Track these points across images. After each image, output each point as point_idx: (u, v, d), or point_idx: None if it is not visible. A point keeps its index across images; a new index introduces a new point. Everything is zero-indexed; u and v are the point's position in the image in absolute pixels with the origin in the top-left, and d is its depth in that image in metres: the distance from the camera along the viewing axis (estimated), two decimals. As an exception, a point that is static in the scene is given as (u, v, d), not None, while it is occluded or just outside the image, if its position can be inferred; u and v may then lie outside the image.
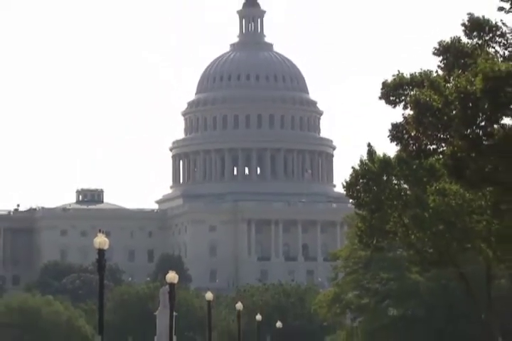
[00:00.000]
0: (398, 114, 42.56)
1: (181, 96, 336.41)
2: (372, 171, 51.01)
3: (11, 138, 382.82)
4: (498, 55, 39.07)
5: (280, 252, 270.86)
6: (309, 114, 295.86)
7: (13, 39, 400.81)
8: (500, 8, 26.85)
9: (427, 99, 39.74)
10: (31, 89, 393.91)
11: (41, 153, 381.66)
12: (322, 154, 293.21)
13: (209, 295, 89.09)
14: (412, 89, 41.84)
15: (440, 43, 41.17)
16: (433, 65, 41.73)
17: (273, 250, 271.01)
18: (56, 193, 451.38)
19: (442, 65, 41.26)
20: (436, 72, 41.50)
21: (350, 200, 54.69)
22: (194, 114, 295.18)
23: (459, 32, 40.40)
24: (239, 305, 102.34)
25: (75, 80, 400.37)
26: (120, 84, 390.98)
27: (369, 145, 51.92)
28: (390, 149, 47.52)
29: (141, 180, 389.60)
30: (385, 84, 42.93)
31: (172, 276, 74.56)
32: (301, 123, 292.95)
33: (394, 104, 42.75)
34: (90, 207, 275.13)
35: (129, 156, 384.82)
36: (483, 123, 38.76)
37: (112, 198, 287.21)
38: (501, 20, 36.54)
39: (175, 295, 79.11)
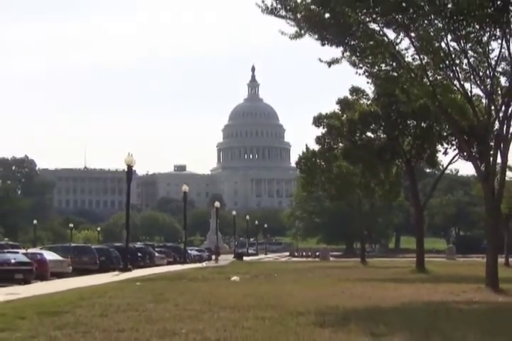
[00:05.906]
0: (319, 131, 42.54)
1: (221, 122, 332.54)
2: (308, 157, 50.62)
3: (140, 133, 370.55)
4: (365, 103, 39.08)
5: (266, 193, 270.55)
6: (279, 131, 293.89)
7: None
8: (367, 82, 27.01)
9: (333, 124, 39.77)
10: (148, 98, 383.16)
11: (159, 146, 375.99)
12: (285, 149, 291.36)
13: (234, 213, 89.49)
14: (327, 119, 41.74)
15: (339, 98, 41.16)
16: (336, 108, 41.72)
17: (262, 192, 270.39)
18: (164, 166, 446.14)
19: (340, 108, 41.21)
20: (338, 111, 41.44)
21: (298, 170, 54.40)
22: (228, 130, 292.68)
23: (347, 93, 40.46)
24: (247, 217, 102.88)
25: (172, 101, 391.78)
26: (193, 121, 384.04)
27: (306, 145, 51.64)
28: (316, 147, 47.29)
29: (204, 160, 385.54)
30: (314, 117, 42.70)
31: (217, 204, 74.88)
32: (276, 135, 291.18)
33: (318, 126, 42.60)
34: (180, 172, 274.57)
35: (197, 149, 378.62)
36: (358, 134, 38.76)
37: (190, 169, 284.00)
38: (368, 85, 36.58)
39: (218, 213, 79.47)
